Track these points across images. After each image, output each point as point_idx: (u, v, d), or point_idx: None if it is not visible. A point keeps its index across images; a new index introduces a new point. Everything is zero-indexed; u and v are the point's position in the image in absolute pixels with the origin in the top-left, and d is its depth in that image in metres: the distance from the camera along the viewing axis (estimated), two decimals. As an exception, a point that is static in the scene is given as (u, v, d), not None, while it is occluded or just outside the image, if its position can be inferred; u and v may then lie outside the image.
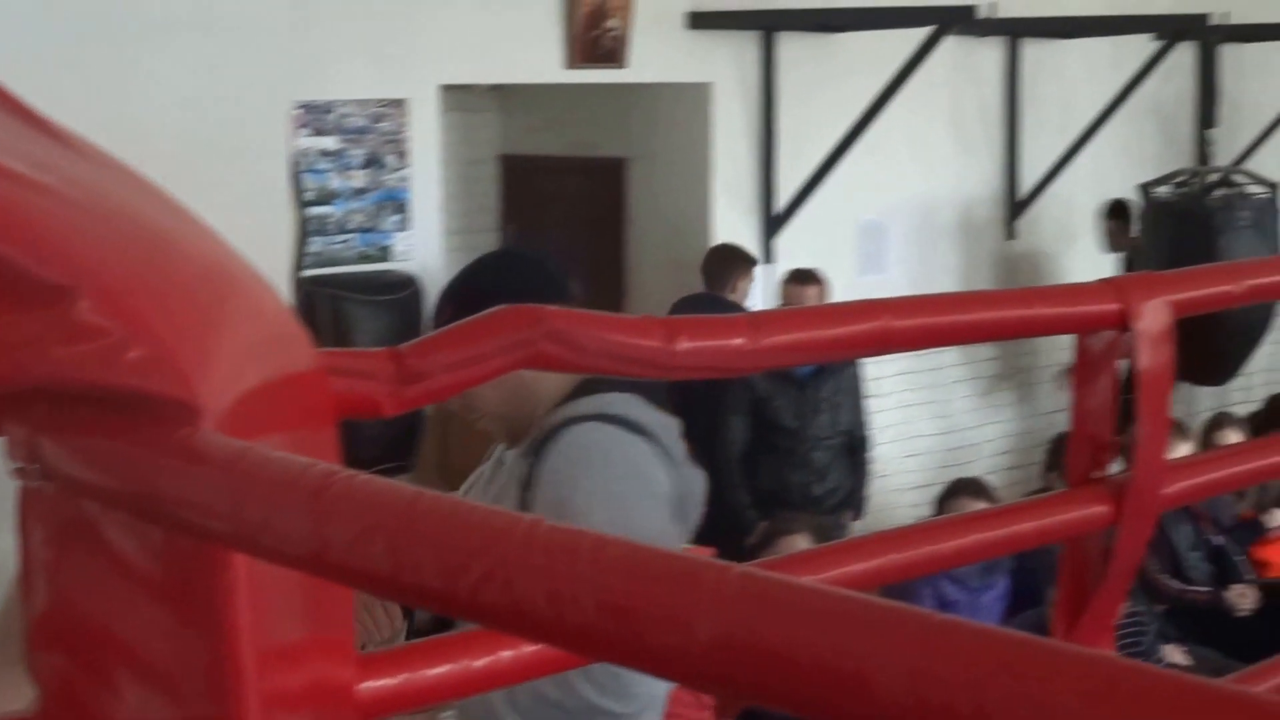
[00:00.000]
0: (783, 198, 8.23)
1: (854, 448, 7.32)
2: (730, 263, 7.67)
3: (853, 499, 7.31)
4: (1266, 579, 7.33)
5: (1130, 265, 8.95)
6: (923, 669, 0.83)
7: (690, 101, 8.15)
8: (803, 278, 7.50)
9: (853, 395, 7.29)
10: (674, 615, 0.92)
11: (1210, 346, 8.39)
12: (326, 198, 6.81)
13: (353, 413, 1.48)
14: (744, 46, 8.13)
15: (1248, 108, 10.00)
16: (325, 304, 6.57)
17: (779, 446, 7.09)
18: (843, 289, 7.71)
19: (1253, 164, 9.63)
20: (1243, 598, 7.10)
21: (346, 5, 6.74)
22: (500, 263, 3.48)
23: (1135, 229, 9.10)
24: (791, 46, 8.23)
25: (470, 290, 3.03)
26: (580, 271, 8.22)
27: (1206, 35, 9.04)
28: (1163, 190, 8.81)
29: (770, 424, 7.09)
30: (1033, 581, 6.12)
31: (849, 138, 7.93)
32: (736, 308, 7.17)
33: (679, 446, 3.02)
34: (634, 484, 2.87)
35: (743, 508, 6.92)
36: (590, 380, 2.92)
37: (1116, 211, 9.27)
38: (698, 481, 3.10)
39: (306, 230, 6.72)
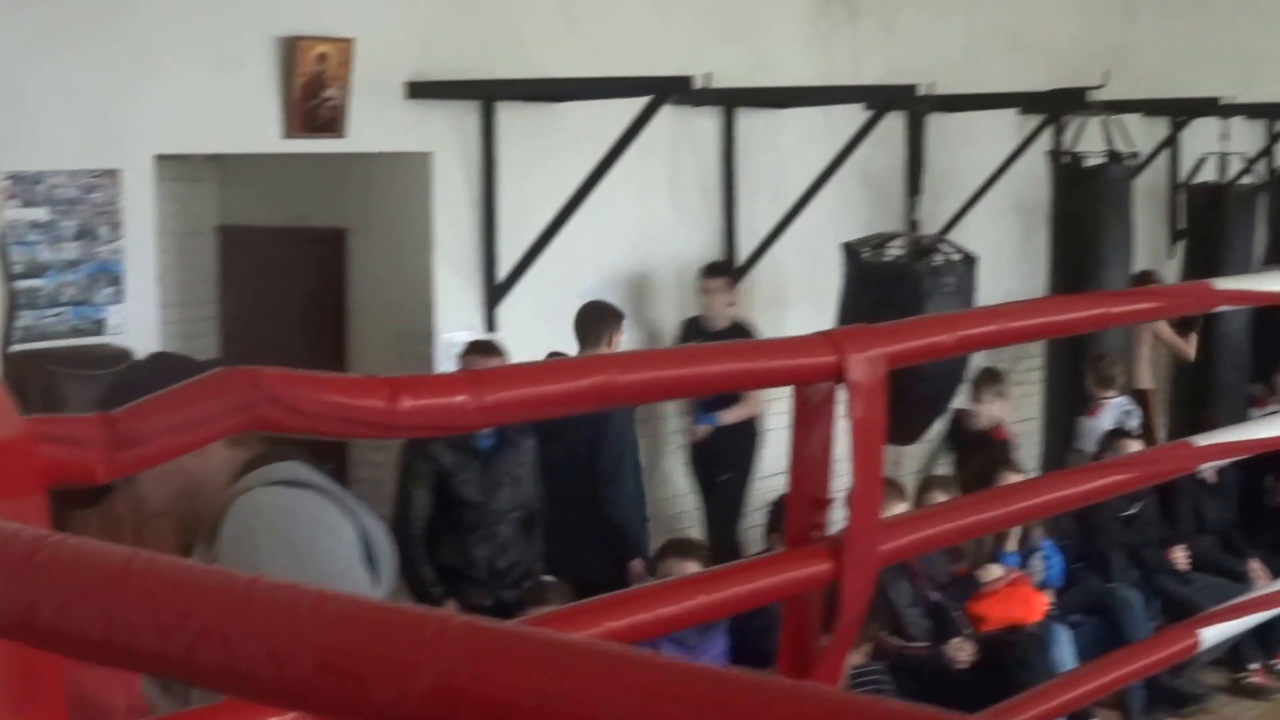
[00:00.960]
0: (505, 266, 8.24)
1: (532, 521, 7.24)
2: (601, 318, 7.78)
3: (532, 572, 7.20)
4: (983, 632, 7.52)
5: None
6: (642, 710, 0.83)
7: (410, 171, 8.13)
8: (484, 349, 7.30)
9: (532, 468, 7.23)
10: (394, 667, 0.90)
11: (904, 405, 8.60)
12: (37, 270, 6.62)
13: (65, 479, 1.44)
14: (464, 116, 8.14)
15: (954, 175, 10.33)
16: (36, 379, 6.37)
17: (463, 521, 6.97)
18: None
19: (959, 228, 9.94)
20: (960, 652, 7.28)
21: (58, 72, 6.58)
22: (154, 364, 3.41)
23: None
24: (511, 116, 8.27)
25: (122, 392, 2.98)
26: (300, 344, 8.16)
27: (915, 105, 9.32)
28: (868, 253, 9.03)
29: (454, 498, 6.96)
30: (755, 638, 6.19)
31: (569, 206, 7.98)
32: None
33: (351, 498, 3.00)
34: (314, 529, 2.85)
35: (427, 584, 6.84)
36: (251, 460, 2.91)
37: (717, 270, 9.04)
38: (381, 530, 3.07)
39: (15, 304, 6.52)
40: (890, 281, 8.83)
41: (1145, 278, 11.28)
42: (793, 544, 2.37)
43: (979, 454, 8.97)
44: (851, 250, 9.05)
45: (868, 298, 8.80)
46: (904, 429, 9.28)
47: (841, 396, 2.20)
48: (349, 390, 1.74)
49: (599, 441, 7.51)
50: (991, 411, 9.50)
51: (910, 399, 8.69)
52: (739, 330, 8.62)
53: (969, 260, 8.98)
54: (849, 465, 2.32)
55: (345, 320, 8.58)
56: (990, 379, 9.54)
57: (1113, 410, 9.57)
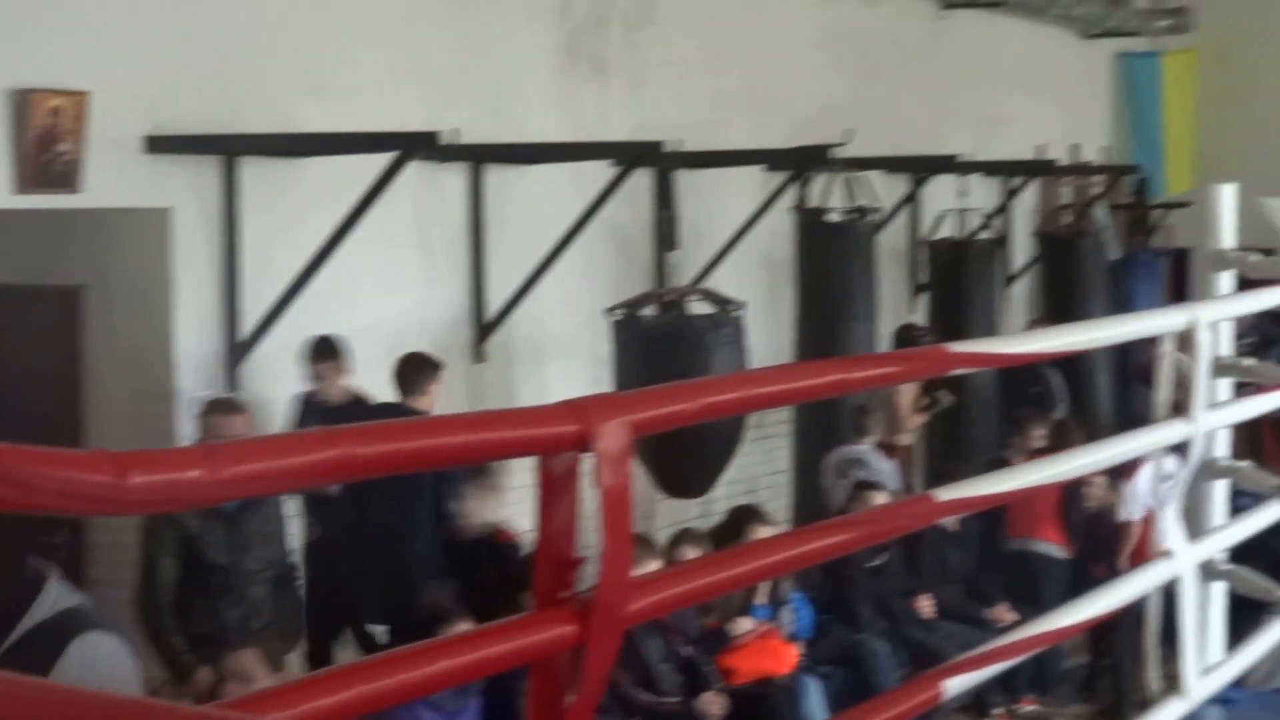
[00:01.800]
0: (248, 324, 8.08)
1: (285, 579, 7.10)
2: (420, 369, 7.89)
3: (289, 629, 7.05)
4: (734, 685, 7.56)
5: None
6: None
7: (149, 227, 7.93)
8: (225, 407, 7.12)
9: (279, 525, 7.09)
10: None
11: (690, 460, 8.66)
12: None
13: None
14: (205, 171, 7.97)
15: (702, 231, 10.42)
16: None
17: (212, 584, 6.77)
18: (312, 415, 7.60)
19: (707, 283, 10.04)
20: (712, 705, 7.30)
21: None
22: None
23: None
24: (255, 172, 8.12)
25: None
26: (35, 407, 7.88)
27: (662, 162, 9.40)
28: (629, 313, 9.05)
29: (202, 562, 6.75)
30: (507, 698, 6.13)
31: (314, 263, 7.86)
32: (417, 413, 7.37)
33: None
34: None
35: (177, 652, 6.63)
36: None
37: (323, 350, 8.16)
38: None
39: None
40: (660, 340, 8.85)
41: (908, 331, 11.51)
42: (541, 605, 2.34)
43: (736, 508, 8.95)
44: (621, 310, 9.05)
45: (644, 357, 8.81)
46: (689, 482, 9.32)
47: (588, 463, 2.19)
48: (75, 465, 1.66)
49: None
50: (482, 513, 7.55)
51: (695, 452, 8.76)
52: (359, 402, 8.09)
53: (736, 308, 9.06)
54: (597, 526, 2.31)
55: (82, 381, 8.32)
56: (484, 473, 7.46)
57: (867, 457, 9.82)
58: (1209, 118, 17.81)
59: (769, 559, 2.76)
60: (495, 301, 9.50)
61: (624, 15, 10.44)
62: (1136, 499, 9.70)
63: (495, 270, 9.50)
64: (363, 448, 1.86)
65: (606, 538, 2.23)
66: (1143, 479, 9.50)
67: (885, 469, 9.94)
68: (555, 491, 2.18)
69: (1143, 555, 9.68)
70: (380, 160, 7.79)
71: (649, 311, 9.05)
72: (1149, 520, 9.75)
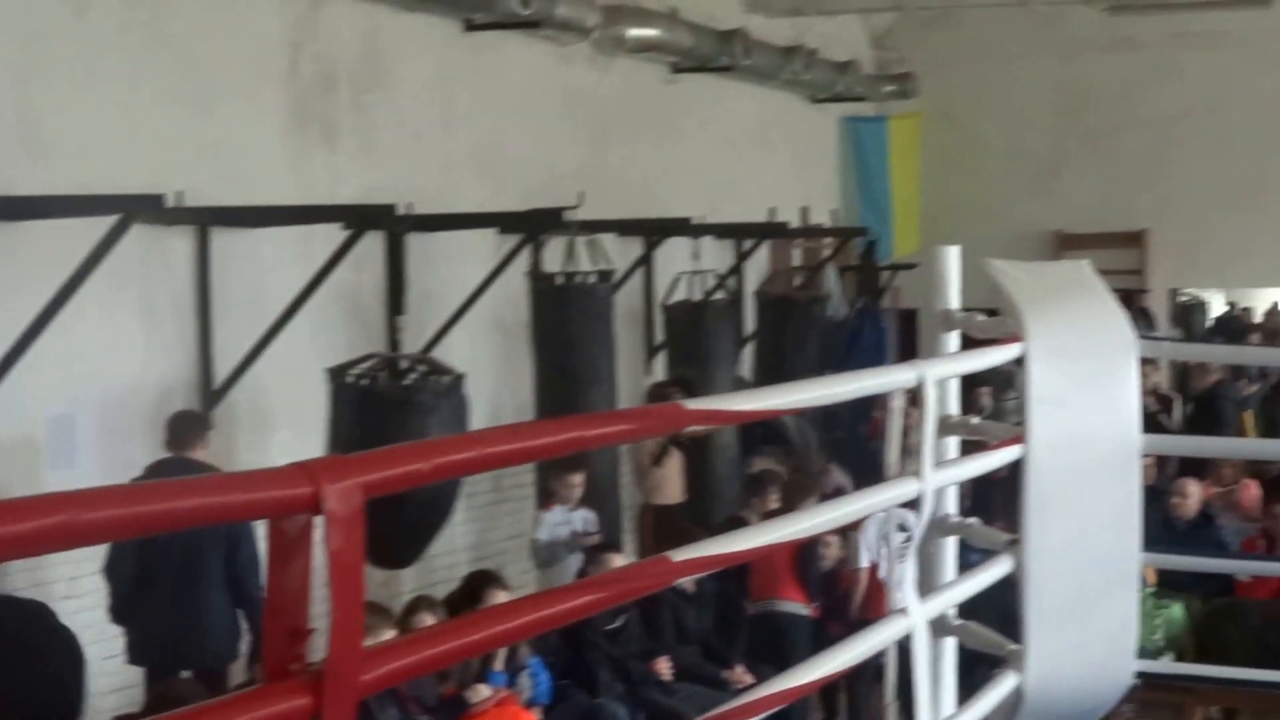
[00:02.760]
0: (-36, 393, 7.77)
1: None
2: (192, 425, 8.04)
3: None
4: (472, 753, 7.46)
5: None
6: None
7: None
8: None
9: None
10: None
11: (393, 529, 8.54)
12: None
13: None
14: (-84, 234, 7.68)
15: (436, 295, 10.36)
16: None
17: None
18: (29, 485, 7.32)
19: (441, 347, 9.96)
20: (451, 774, 7.20)
21: None
22: None
23: None
24: (-30, 235, 7.84)
25: None
26: None
27: (394, 225, 9.31)
28: (351, 376, 8.94)
29: None
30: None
31: (34, 329, 7.60)
32: (208, 468, 7.57)
33: None
34: None
35: None
36: None
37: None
38: None
39: None
40: (382, 404, 8.77)
41: (661, 388, 11.55)
42: (271, 677, 2.25)
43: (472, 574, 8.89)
44: (338, 374, 8.94)
45: (359, 422, 8.72)
46: (397, 553, 9.20)
47: (319, 527, 2.12)
48: None
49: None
50: None
51: (401, 522, 8.64)
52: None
53: (457, 378, 9.01)
54: (329, 594, 2.24)
55: None
56: None
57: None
58: (933, 181, 18.34)
59: (505, 625, 2.71)
60: (223, 368, 9.28)
61: (353, 77, 10.35)
62: (863, 548, 9.93)
63: (223, 335, 9.28)
64: (86, 513, 1.77)
65: (337, 605, 2.16)
66: (870, 528, 9.73)
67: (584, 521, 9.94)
68: (285, 557, 2.11)
69: (875, 604, 9.91)
70: (104, 224, 7.58)
71: (365, 376, 8.96)
72: (876, 569, 10.02)
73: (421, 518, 8.96)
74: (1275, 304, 23.77)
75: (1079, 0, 15.90)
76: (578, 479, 9.87)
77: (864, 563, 10.01)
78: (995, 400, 13.41)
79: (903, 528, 9.34)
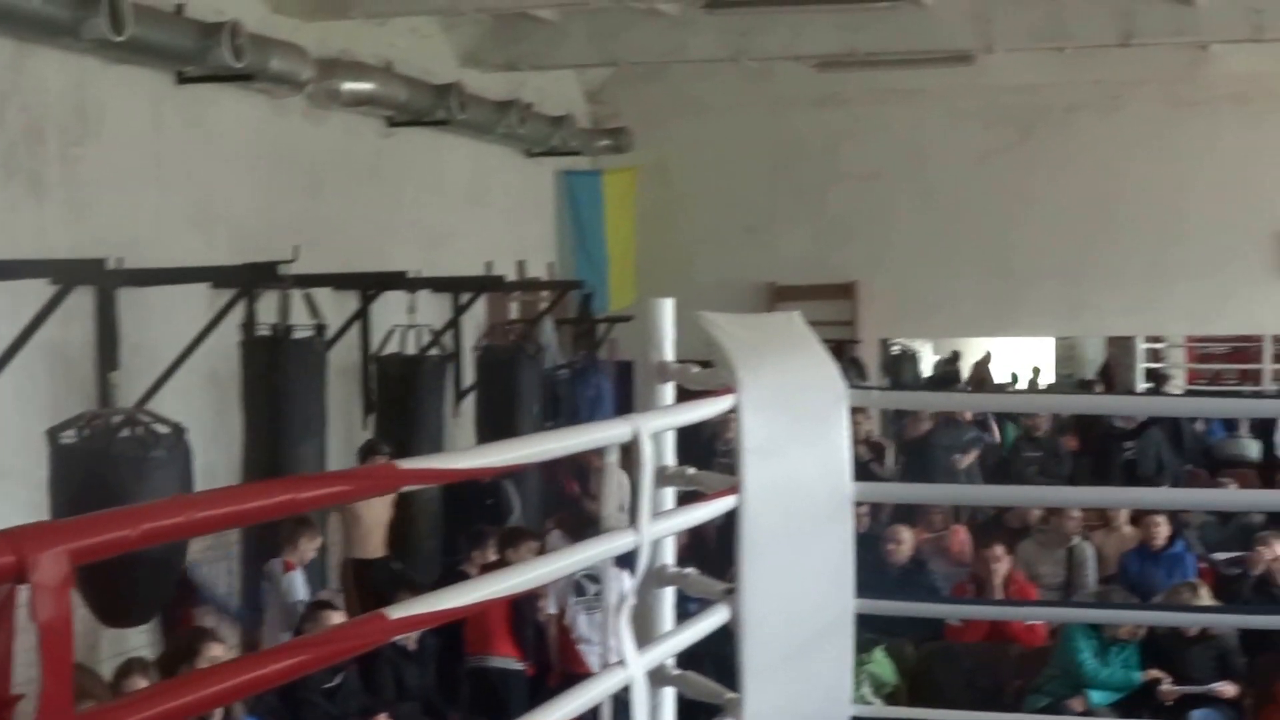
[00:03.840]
0: None
1: None
2: None
3: None
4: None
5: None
6: None
7: None
8: None
9: None
10: None
11: (123, 589, 8.35)
12: None
13: None
14: None
15: (148, 350, 10.13)
16: None
17: None
18: None
19: (155, 403, 9.74)
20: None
21: None
22: None
23: None
24: None
25: None
26: None
27: (104, 279, 9.10)
28: (69, 435, 8.71)
29: None
30: None
31: None
32: None
33: None
34: None
35: None
36: None
37: None
38: None
39: None
40: (103, 463, 8.55)
41: (371, 447, 11.48)
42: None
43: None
44: (55, 434, 8.69)
45: (81, 483, 8.49)
46: (129, 611, 8.97)
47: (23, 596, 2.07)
48: None
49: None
50: None
51: (133, 581, 8.44)
52: None
53: (179, 431, 8.83)
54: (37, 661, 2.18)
55: None
56: None
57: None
58: (649, 233, 18.55)
59: (218, 686, 2.66)
60: (-77, 427, 8.96)
61: (62, 129, 10.10)
62: (552, 598, 10.01)
63: (-77, 394, 8.97)
64: None
65: (45, 674, 2.11)
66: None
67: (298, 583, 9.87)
68: (-14, 628, 2.05)
69: (567, 650, 9.98)
70: None
71: (81, 435, 8.74)
72: (563, 617, 10.11)
73: (154, 574, 8.76)
74: (987, 353, 24.59)
75: (788, 57, 16.28)
76: (318, 541, 9.84)
77: (552, 608, 10.12)
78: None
79: (593, 579, 9.46)
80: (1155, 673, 10.39)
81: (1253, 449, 18.14)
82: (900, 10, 14.54)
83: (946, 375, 24.30)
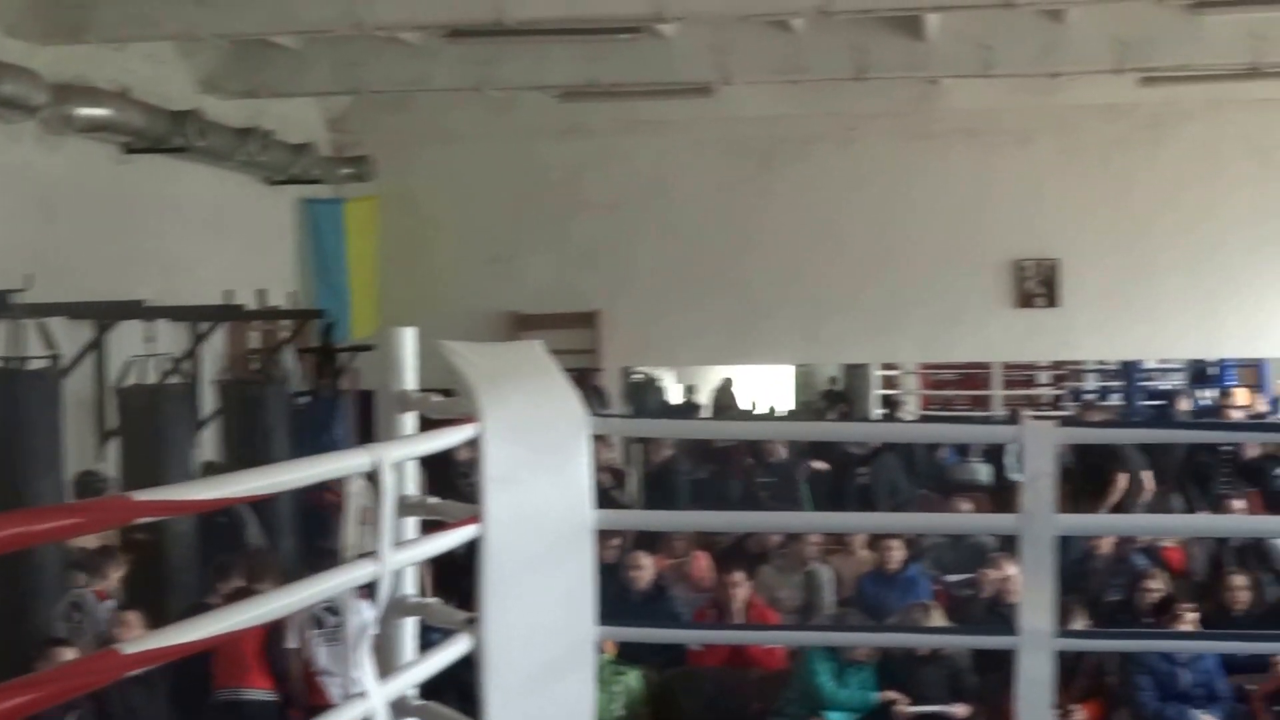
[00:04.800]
0: None
1: None
2: None
3: None
4: None
5: None
6: None
7: None
8: None
9: None
10: None
11: None
12: None
13: None
14: None
15: None
16: None
17: None
18: None
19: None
20: None
21: None
22: None
23: None
24: None
25: None
26: None
27: None
28: None
29: None
30: None
31: None
32: None
33: None
34: None
35: None
36: None
37: None
38: None
39: None
40: None
41: (87, 478, 11.20)
42: None
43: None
44: None
45: None
46: None
47: None
48: None
49: None
50: None
51: None
52: None
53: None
54: None
55: None
56: None
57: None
58: (392, 263, 18.45)
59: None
60: None
61: None
62: (293, 628, 9.90)
63: None
64: None
65: None
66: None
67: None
68: None
69: (310, 682, 9.87)
70: None
71: None
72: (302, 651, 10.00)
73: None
74: (726, 380, 24.93)
75: (530, 87, 16.35)
76: (123, 570, 9.70)
77: (294, 642, 9.99)
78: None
79: (332, 610, 9.38)
80: (891, 694, 10.63)
81: (983, 472, 18.67)
82: (641, 42, 14.72)
83: (687, 403, 24.59)
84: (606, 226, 18.47)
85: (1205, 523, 12.06)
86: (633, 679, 10.78)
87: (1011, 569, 10.76)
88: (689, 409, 23.90)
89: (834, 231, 18.22)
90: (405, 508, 4.31)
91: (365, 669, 3.86)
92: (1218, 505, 15.16)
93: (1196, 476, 16.29)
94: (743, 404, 24.40)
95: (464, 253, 18.53)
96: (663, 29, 14.53)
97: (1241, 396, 23.49)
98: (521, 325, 18.01)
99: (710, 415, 23.28)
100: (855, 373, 24.24)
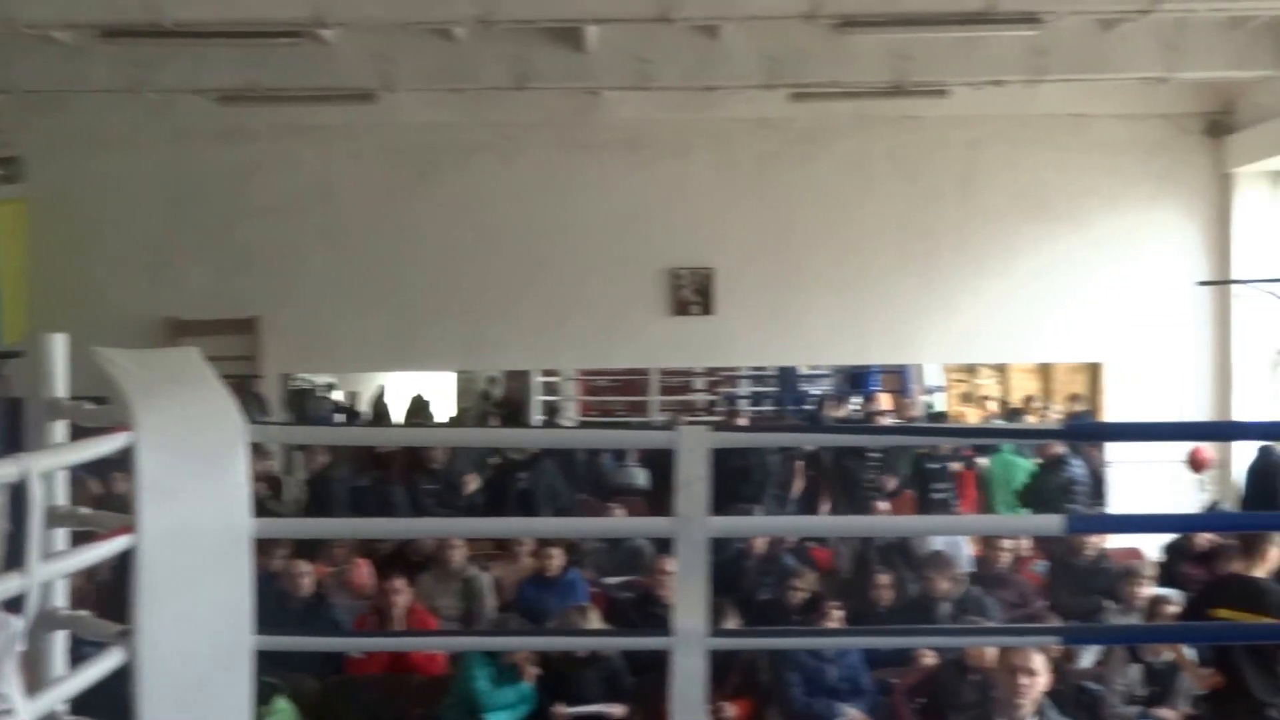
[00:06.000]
0: None
1: None
2: None
3: None
4: None
5: None
6: None
7: None
8: None
9: None
10: None
11: None
12: None
13: None
14: None
15: None
16: None
17: None
18: None
19: None
20: None
21: None
22: None
23: None
24: None
25: None
26: None
27: None
28: None
29: None
30: None
31: None
32: None
33: None
34: None
35: None
36: None
37: None
38: None
39: None
40: None
41: None
42: None
43: None
44: None
45: None
46: None
47: None
48: None
49: None
50: None
51: None
52: None
53: None
54: None
55: None
56: None
57: None
58: (44, 268, 17.92)
59: None
60: None
61: None
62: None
63: None
64: None
65: None
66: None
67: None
68: None
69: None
70: None
71: None
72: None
73: None
74: (381, 388, 24.84)
75: (188, 90, 16.07)
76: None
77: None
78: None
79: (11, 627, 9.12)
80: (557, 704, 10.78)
81: (640, 477, 19.02)
82: (302, 47, 14.60)
83: (348, 410, 24.44)
84: (268, 232, 18.23)
85: (850, 524, 12.53)
86: (281, 707, 10.65)
87: (671, 570, 11.01)
88: (350, 416, 23.77)
89: (495, 240, 18.32)
90: (55, 519, 4.26)
91: (11, 685, 3.81)
92: (863, 506, 15.77)
93: (842, 479, 16.87)
94: (399, 411, 24.36)
95: (121, 258, 18.09)
96: (324, 34, 14.45)
97: (885, 402, 24.42)
98: (180, 331, 17.66)
99: (370, 422, 23.20)
100: (517, 380, 24.42)
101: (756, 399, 25.44)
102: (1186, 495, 16.44)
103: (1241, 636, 8.90)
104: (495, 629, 11.22)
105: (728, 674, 10.77)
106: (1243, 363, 18.23)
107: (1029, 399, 23.44)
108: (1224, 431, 17.63)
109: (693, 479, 4.68)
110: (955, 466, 17.87)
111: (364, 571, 12.98)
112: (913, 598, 12.05)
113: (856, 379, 25.25)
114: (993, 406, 24.35)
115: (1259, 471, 15.58)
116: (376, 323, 18.36)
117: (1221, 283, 18.03)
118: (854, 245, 18.39)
